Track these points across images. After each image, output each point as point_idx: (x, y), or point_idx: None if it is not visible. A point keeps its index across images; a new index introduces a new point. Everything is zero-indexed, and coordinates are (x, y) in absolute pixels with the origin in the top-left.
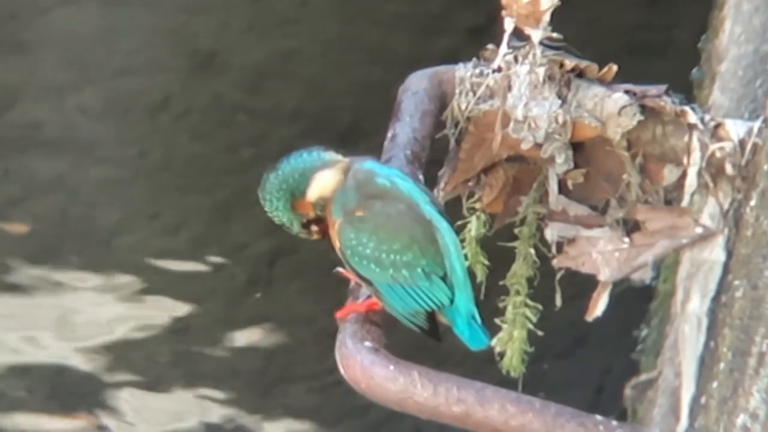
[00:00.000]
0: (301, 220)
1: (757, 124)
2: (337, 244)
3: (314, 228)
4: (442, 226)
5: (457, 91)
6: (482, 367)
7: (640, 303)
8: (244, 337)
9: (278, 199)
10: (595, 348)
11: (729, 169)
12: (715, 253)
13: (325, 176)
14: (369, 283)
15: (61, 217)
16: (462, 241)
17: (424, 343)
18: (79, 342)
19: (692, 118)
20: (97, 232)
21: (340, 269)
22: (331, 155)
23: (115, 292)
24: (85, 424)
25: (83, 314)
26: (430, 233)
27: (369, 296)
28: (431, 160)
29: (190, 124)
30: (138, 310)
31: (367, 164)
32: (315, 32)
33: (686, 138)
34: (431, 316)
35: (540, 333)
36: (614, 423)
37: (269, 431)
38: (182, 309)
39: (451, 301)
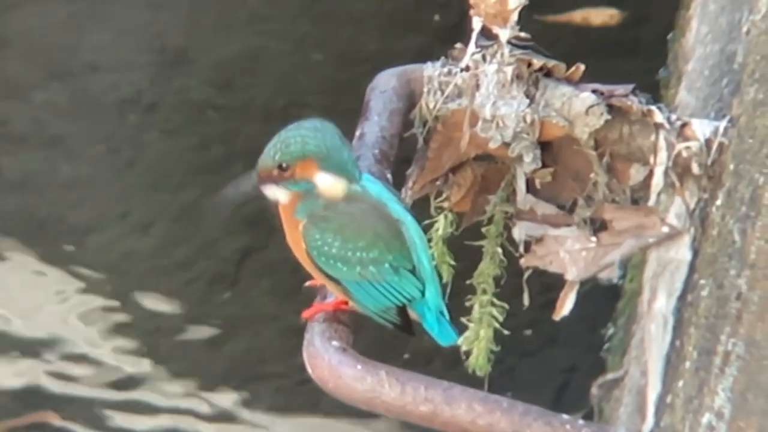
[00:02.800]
0: (282, 165)
1: (723, 124)
2: (302, 246)
3: (274, 173)
4: (407, 219)
5: (425, 90)
6: (449, 367)
7: (606, 302)
8: (213, 336)
9: (307, 143)
10: (561, 347)
11: (695, 168)
12: (681, 252)
13: (332, 181)
14: (337, 282)
15: (29, 215)
16: (429, 240)
17: (392, 342)
18: (46, 340)
19: (659, 117)
20: (66, 231)
21: (308, 283)
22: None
23: (83, 290)
24: (54, 421)
25: (49, 312)
26: (395, 228)
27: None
28: (399, 159)
29: (160, 121)
30: (106, 309)
31: None
32: (285, 29)
33: (653, 137)
34: (402, 311)
35: (506, 332)
36: (581, 422)
37: (237, 431)
38: (151, 307)
39: (422, 294)
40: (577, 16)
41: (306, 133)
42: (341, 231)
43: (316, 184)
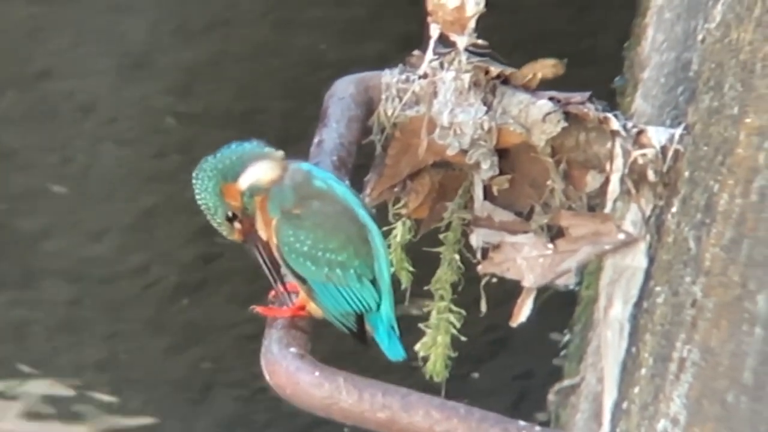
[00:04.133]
0: (226, 210)
1: (678, 131)
2: (273, 241)
3: (237, 225)
4: (373, 229)
5: (383, 97)
6: (407, 375)
7: (563, 309)
8: (171, 344)
9: (209, 179)
10: (518, 353)
11: (651, 175)
12: (637, 259)
13: (263, 166)
14: (303, 281)
15: None
16: (388, 247)
17: (350, 349)
18: (5, 346)
19: (615, 125)
20: (19, 239)
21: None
22: (271, 150)
23: (37, 298)
24: (10, 428)
25: (3, 318)
26: (364, 235)
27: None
28: (358, 166)
29: (117, 129)
30: (61, 317)
31: (304, 166)
32: (245, 35)
33: (609, 145)
34: (360, 319)
35: (463, 338)
36: (537, 428)
37: None
38: (108, 316)
39: (378, 306)
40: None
41: (197, 182)
42: (314, 230)
43: (255, 183)
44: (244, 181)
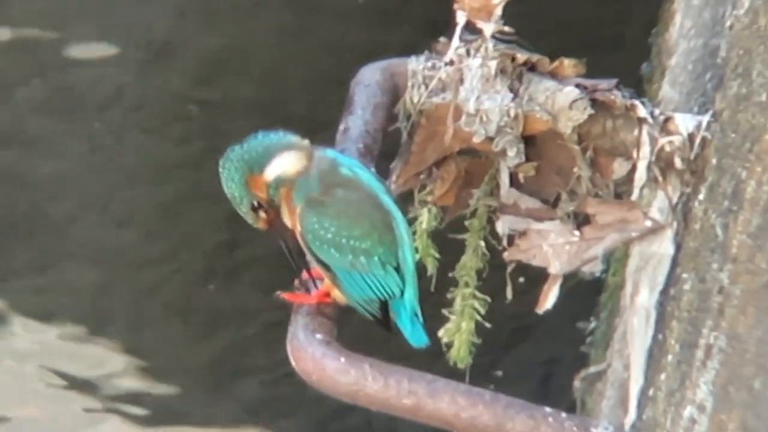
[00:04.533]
0: (252, 200)
1: (706, 119)
2: (298, 229)
3: (262, 214)
4: (397, 216)
5: (409, 84)
6: (431, 361)
7: (589, 296)
8: (197, 330)
9: (236, 169)
10: (544, 340)
11: (678, 163)
12: (664, 246)
13: (289, 158)
14: (327, 268)
15: (10, 209)
16: (413, 233)
17: (375, 336)
18: (31, 335)
19: (642, 112)
20: (47, 225)
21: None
22: (297, 139)
23: (64, 285)
24: (35, 415)
25: (35, 308)
26: (388, 222)
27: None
28: (383, 153)
29: (142, 116)
30: (89, 303)
31: (330, 153)
32: (269, 23)
33: (636, 132)
34: (384, 306)
35: (488, 325)
36: (563, 415)
37: (221, 423)
38: (134, 302)
39: (402, 293)
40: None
41: (224, 172)
42: (338, 217)
43: (280, 175)
44: (271, 173)
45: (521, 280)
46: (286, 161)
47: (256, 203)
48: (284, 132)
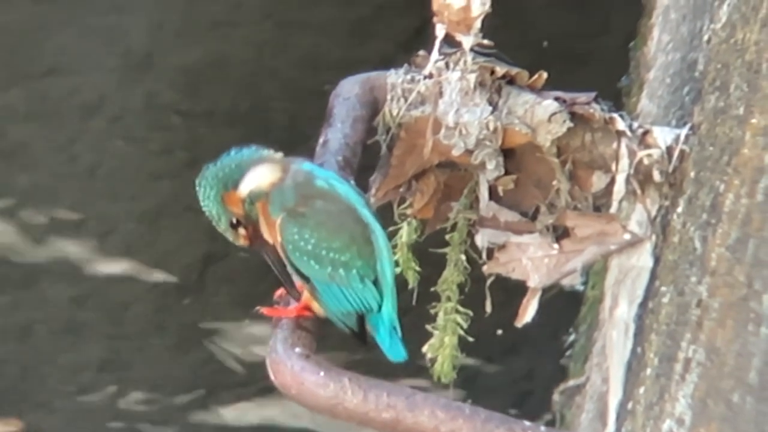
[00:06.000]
0: (230, 217)
1: (684, 132)
2: (278, 240)
3: (241, 231)
4: (376, 229)
5: (388, 97)
6: (413, 375)
7: (568, 309)
8: (174, 343)
9: (211, 187)
10: (523, 354)
11: (656, 176)
12: (643, 259)
13: (262, 171)
14: (307, 280)
15: None
16: (394, 247)
17: (355, 350)
18: (8, 346)
19: (621, 125)
20: (23, 237)
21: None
22: (270, 153)
23: (41, 296)
24: (13, 429)
25: (7, 319)
26: (367, 236)
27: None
28: (363, 166)
29: (122, 126)
30: (65, 315)
31: (306, 166)
32: (249, 35)
33: (615, 145)
34: (361, 320)
35: (471, 339)
36: (542, 428)
37: None
38: (110, 315)
39: (380, 307)
40: None
41: (200, 190)
42: (318, 228)
43: (257, 187)
44: (244, 188)
45: (501, 293)
46: (260, 175)
47: (234, 220)
48: (257, 147)
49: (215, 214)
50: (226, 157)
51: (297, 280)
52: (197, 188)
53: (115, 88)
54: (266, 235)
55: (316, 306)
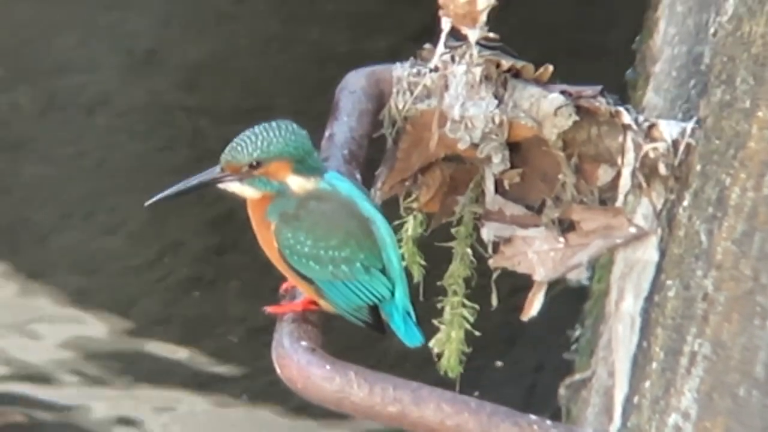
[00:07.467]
0: (250, 163)
1: (690, 125)
2: (274, 245)
3: (235, 168)
4: (377, 218)
5: (394, 90)
6: (419, 368)
7: (574, 303)
8: (181, 336)
9: (283, 145)
10: (529, 347)
11: (662, 169)
12: (649, 253)
13: (307, 181)
14: (310, 281)
15: None
16: (399, 240)
17: (361, 343)
18: (15, 341)
19: (626, 118)
20: (31, 231)
21: (282, 288)
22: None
23: (49, 291)
24: (22, 422)
25: (15, 313)
26: (366, 227)
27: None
28: (369, 160)
29: (128, 122)
30: (73, 310)
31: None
32: (254, 30)
33: (620, 138)
34: (374, 310)
35: (477, 333)
36: (548, 422)
37: (205, 430)
38: (119, 309)
39: (392, 294)
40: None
41: (286, 135)
42: (313, 230)
43: (289, 185)
44: (293, 183)
45: (508, 287)
46: (305, 182)
47: (246, 169)
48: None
49: (250, 152)
50: (306, 138)
51: (301, 284)
52: (270, 126)
53: (120, 85)
54: (260, 239)
55: (324, 303)
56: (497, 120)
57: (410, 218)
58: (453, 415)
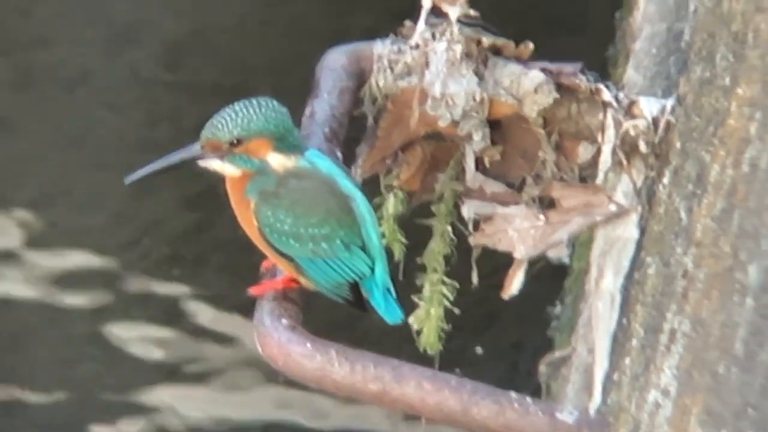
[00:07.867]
0: (232, 141)
1: (670, 102)
2: (254, 224)
3: (210, 146)
4: (357, 196)
5: (375, 67)
6: (399, 346)
7: (555, 281)
8: (161, 314)
9: (262, 122)
10: (509, 325)
11: (642, 146)
12: (629, 230)
13: (287, 159)
14: (290, 259)
15: None
16: (380, 218)
17: (343, 321)
18: None
19: (606, 96)
20: (8, 208)
21: (263, 267)
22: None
23: (26, 270)
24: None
25: None
26: (346, 204)
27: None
28: (349, 138)
29: (107, 98)
30: (52, 288)
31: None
32: (233, 6)
33: (601, 116)
34: (354, 287)
35: (456, 311)
36: (528, 399)
37: (185, 410)
38: (97, 287)
39: (372, 271)
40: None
41: (267, 113)
42: (293, 208)
43: (269, 163)
44: (274, 160)
45: (488, 265)
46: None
47: (227, 146)
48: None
49: (229, 128)
50: (287, 116)
51: (281, 261)
52: (252, 102)
53: (99, 60)
54: (239, 217)
55: (304, 281)
56: (478, 97)
57: (390, 196)
58: (433, 392)
